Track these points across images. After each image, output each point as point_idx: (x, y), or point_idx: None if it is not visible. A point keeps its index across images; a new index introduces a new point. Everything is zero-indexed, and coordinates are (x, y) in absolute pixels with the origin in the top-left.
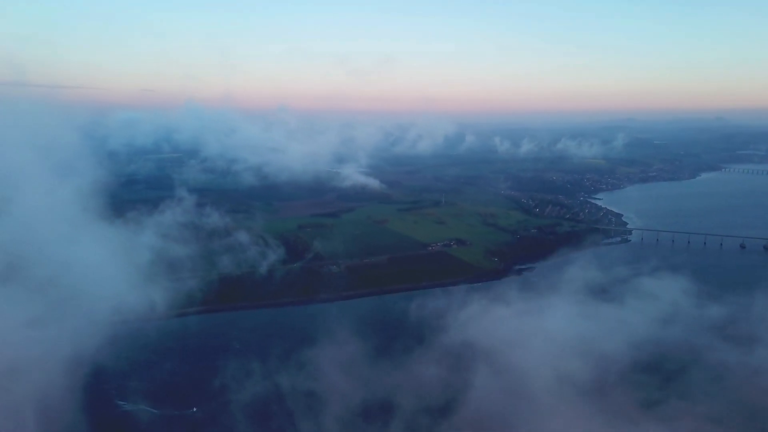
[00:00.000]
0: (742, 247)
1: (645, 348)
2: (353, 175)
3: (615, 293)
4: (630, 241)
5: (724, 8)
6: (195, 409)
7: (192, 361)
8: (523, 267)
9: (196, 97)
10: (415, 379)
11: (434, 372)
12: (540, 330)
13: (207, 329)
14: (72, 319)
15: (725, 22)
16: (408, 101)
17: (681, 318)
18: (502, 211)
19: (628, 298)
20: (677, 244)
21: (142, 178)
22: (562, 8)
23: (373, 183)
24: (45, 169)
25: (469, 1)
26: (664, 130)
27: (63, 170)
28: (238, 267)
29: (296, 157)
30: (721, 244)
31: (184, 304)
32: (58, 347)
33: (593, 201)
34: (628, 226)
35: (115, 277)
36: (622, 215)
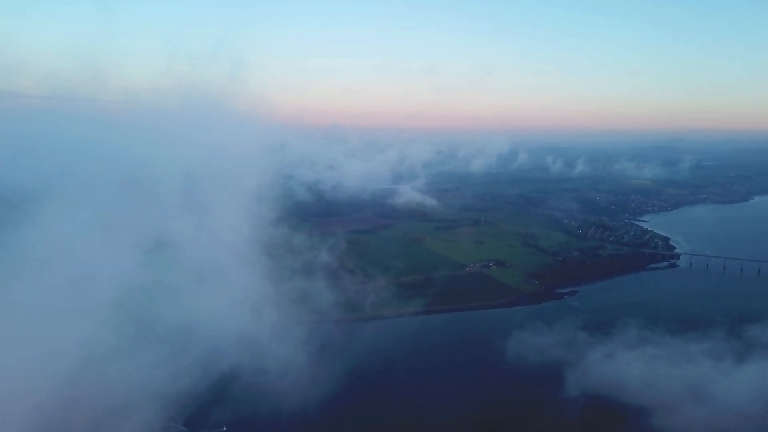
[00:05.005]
0: None
1: None
2: (394, 192)
3: (664, 324)
4: (678, 266)
5: None
6: (225, 429)
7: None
8: (564, 291)
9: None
10: None
11: None
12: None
13: None
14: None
15: None
16: (463, 118)
17: None
18: (543, 232)
19: (682, 331)
20: (729, 271)
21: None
22: (612, 32)
23: (413, 200)
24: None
25: (518, 25)
26: (713, 151)
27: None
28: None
29: (342, 174)
30: None
31: None
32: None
33: (639, 223)
34: (675, 251)
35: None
36: (669, 239)
